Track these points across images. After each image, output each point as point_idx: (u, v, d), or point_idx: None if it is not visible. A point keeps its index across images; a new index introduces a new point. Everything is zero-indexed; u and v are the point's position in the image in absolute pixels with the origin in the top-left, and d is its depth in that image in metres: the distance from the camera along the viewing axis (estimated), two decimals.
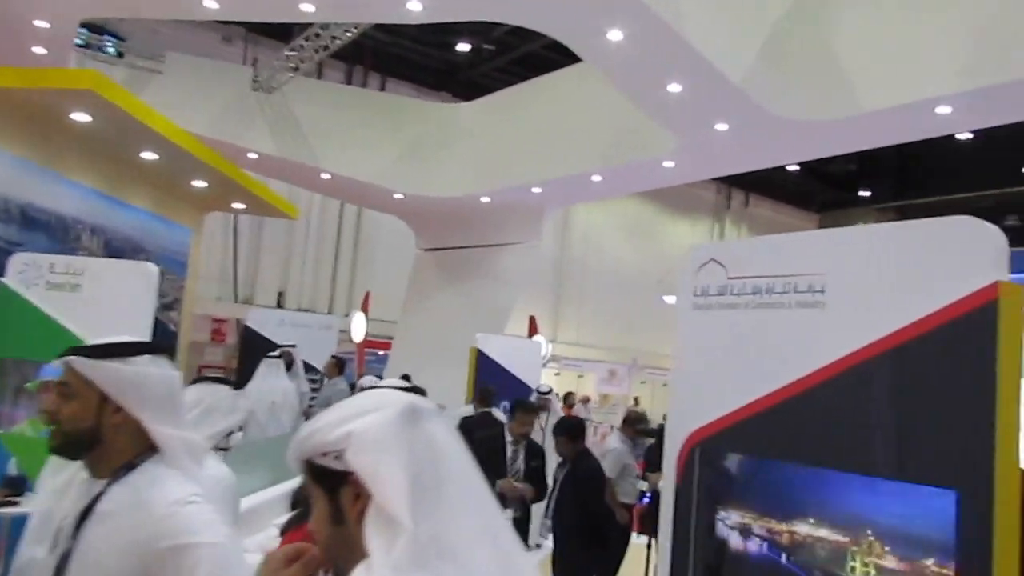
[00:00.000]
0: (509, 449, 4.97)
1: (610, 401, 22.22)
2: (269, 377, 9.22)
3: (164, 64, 12.52)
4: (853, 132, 8.56)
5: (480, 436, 5.26)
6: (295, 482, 3.55)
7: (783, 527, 2.79)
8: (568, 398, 13.24)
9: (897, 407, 2.55)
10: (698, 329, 3.25)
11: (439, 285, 14.93)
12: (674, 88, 7.69)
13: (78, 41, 13.38)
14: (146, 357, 1.80)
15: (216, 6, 7.89)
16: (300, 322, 11.68)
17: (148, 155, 8.51)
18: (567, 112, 11.46)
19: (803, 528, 2.72)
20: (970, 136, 17.50)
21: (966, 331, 2.39)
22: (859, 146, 9.44)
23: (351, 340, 17.47)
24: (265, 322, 11.31)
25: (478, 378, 11.04)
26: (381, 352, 18.25)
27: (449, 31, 18.98)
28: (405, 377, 12.87)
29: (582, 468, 4.76)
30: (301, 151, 12.72)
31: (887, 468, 2.52)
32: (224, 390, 2.92)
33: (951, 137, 17.12)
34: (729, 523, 2.97)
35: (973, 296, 2.37)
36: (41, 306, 5.59)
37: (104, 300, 5.58)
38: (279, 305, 20.22)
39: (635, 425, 6.21)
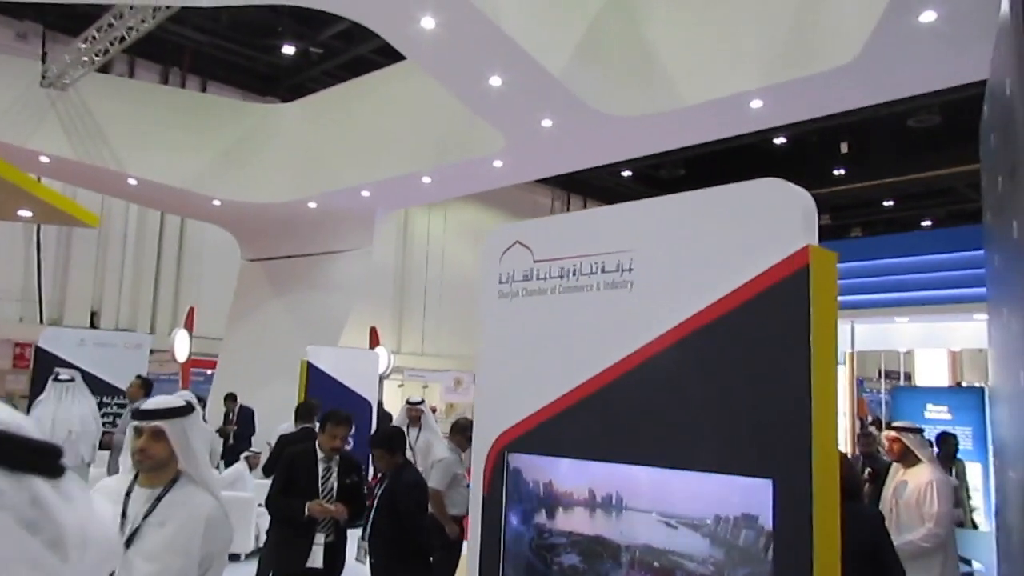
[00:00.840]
0: (320, 466, 4.49)
1: (456, 410, 21.92)
2: (63, 402, 8.27)
3: None
4: (674, 128, 8.68)
5: (290, 452, 4.75)
6: None
7: (602, 532, 2.52)
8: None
9: (706, 392, 2.33)
10: (504, 320, 2.95)
11: (267, 297, 14.05)
12: (495, 81, 7.46)
13: None
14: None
15: None
16: (105, 341, 10.54)
17: None
18: (395, 111, 11.04)
19: (627, 530, 2.46)
20: (784, 140, 18.67)
21: (776, 303, 2.20)
22: (681, 142, 9.59)
23: (175, 360, 16.22)
24: (61, 341, 10.14)
25: (308, 393, 10.42)
26: (209, 371, 17.04)
27: (274, 34, 18.09)
28: (230, 396, 12.06)
29: (401, 482, 4.36)
30: (102, 154, 11.54)
31: (704, 460, 2.30)
32: None
33: (768, 140, 18.23)
34: (542, 532, 2.67)
35: (782, 264, 2.18)
36: None
37: None
38: (92, 325, 18.48)
39: (465, 432, 5.87)
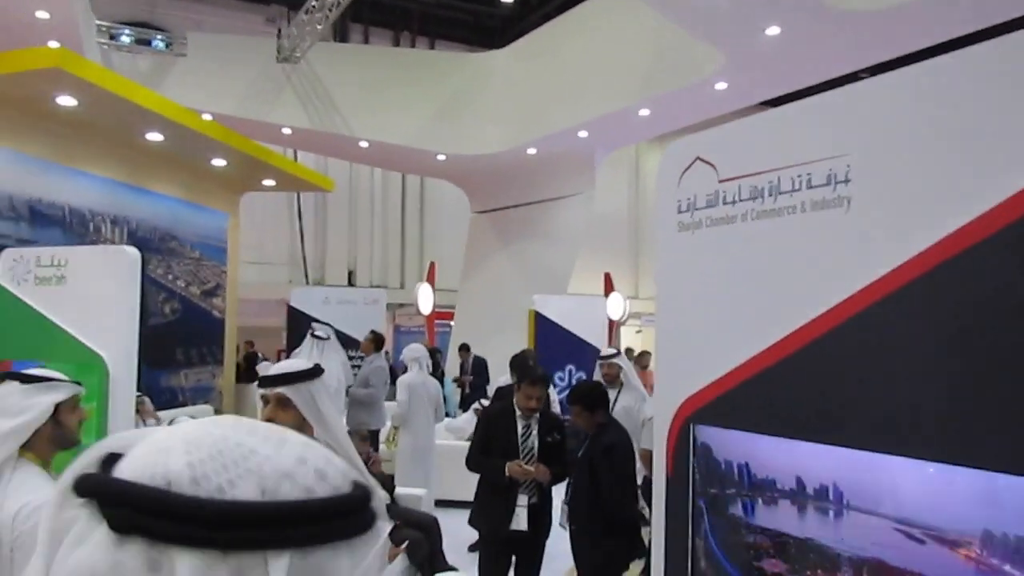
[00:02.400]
0: (520, 425, 4.18)
1: None
2: (322, 358, 8.58)
3: (187, 47, 12.09)
4: (922, 22, 7.18)
5: (487, 410, 4.50)
6: None
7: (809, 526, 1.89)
8: (643, 358, 12.24)
9: (971, 351, 1.61)
10: (685, 258, 2.35)
11: (495, 248, 14.16)
12: None
13: (126, 38, 13.22)
14: None
15: None
16: (346, 298, 11.15)
17: (154, 137, 8.05)
18: (603, 44, 10.38)
19: (850, 537, 1.82)
20: None
21: None
22: (931, 38, 7.95)
23: (419, 313, 17.04)
24: (308, 300, 10.87)
25: (538, 342, 10.31)
26: (452, 323, 17.74)
27: None
28: (464, 347, 12.33)
29: (599, 444, 3.92)
30: (334, 121, 12.11)
31: (968, 450, 1.59)
32: (11, 387, 2.34)
33: None
34: (738, 527, 2.09)
35: None
36: (30, 302, 5.28)
37: (88, 290, 5.24)
38: (350, 283, 20.00)
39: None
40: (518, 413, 4.21)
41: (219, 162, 9.19)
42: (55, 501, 0.58)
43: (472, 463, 4.31)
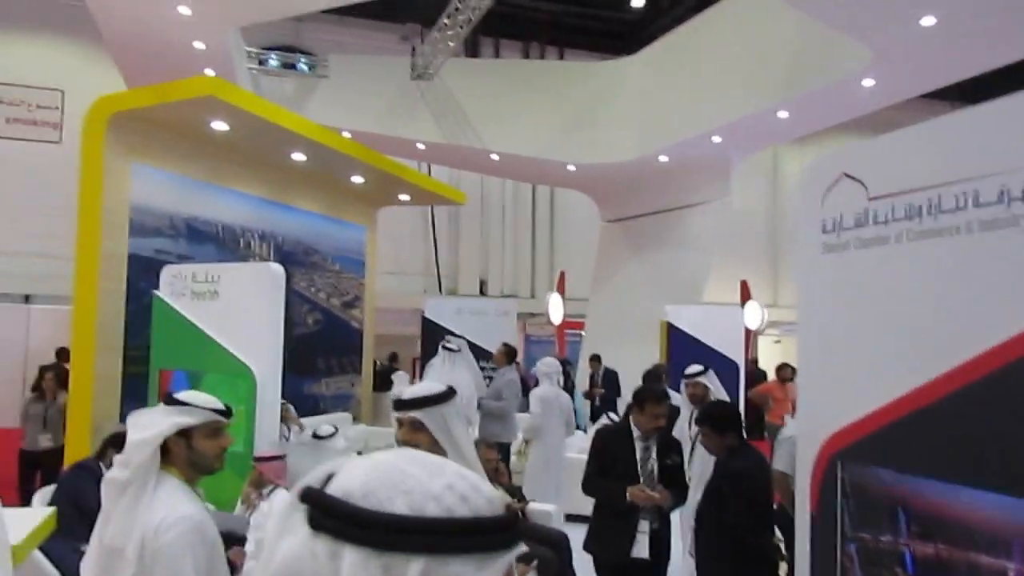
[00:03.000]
0: (638, 447, 4.02)
1: None
2: (454, 368, 8.64)
3: (328, 68, 12.67)
4: None
5: (603, 431, 4.37)
6: None
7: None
8: (783, 370, 11.70)
9: None
10: (831, 281, 2.18)
11: (626, 257, 13.96)
12: None
13: (273, 63, 14.07)
14: None
15: None
16: (477, 309, 11.29)
17: (298, 157, 8.45)
18: (738, 45, 10.01)
19: None
20: None
21: None
22: None
23: (550, 322, 17.05)
24: (441, 311, 11.09)
25: (670, 354, 10.05)
26: (583, 333, 17.67)
27: None
28: (594, 358, 12.22)
29: (729, 468, 3.70)
30: (467, 135, 12.34)
31: None
32: (159, 407, 2.47)
33: None
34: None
35: None
36: (188, 315, 5.67)
37: (238, 304, 5.58)
38: (481, 292, 20.32)
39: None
40: (636, 434, 4.05)
41: (358, 179, 9.54)
42: (289, 502, 0.78)
43: (589, 486, 4.13)
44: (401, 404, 2.47)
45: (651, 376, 6.52)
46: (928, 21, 6.92)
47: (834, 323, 2.16)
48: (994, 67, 8.31)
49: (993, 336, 1.71)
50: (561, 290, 16.84)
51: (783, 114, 9.73)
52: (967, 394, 1.77)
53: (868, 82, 8.53)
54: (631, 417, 4.10)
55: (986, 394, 1.73)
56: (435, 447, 2.41)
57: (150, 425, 2.28)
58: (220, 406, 2.40)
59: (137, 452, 2.25)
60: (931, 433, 1.85)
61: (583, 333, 16.15)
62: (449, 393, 2.47)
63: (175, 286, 5.84)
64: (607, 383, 11.45)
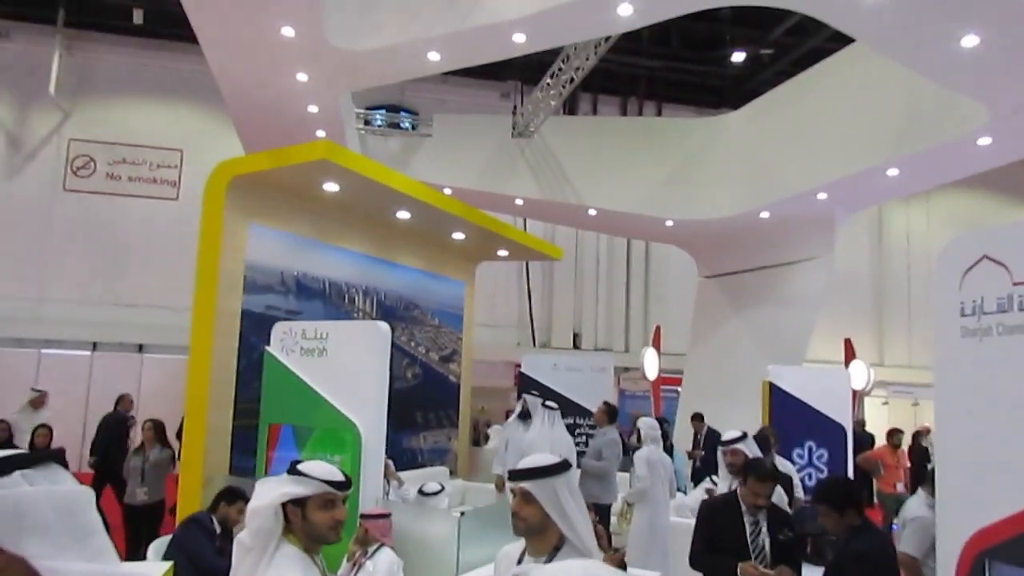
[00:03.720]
0: (747, 521, 3.88)
1: None
2: (555, 430, 8.51)
3: (432, 127, 13.10)
4: None
5: (708, 503, 4.23)
6: None
7: None
8: (893, 436, 11.13)
9: None
10: (971, 367, 2.09)
11: (726, 314, 13.68)
12: (969, 41, 5.98)
13: (379, 122, 14.70)
14: None
15: (439, 58, 7.88)
16: (574, 365, 11.25)
17: (402, 215, 8.71)
18: (846, 101, 9.81)
19: None
20: None
21: None
22: None
23: (645, 377, 16.80)
24: (539, 366, 11.09)
25: (773, 415, 9.73)
26: (680, 389, 17.33)
27: (722, 44, 17.94)
28: (697, 416, 11.91)
29: (851, 549, 3.51)
30: (564, 190, 12.48)
31: None
32: (282, 475, 2.49)
33: None
34: None
35: None
36: (297, 372, 5.85)
37: (345, 361, 5.71)
38: (575, 346, 20.26)
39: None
40: (743, 507, 3.92)
41: (458, 235, 9.75)
42: None
43: (698, 561, 3.98)
44: (514, 475, 2.45)
45: (759, 441, 6.24)
46: None
47: (977, 411, 2.06)
48: None
49: None
50: (657, 345, 16.60)
51: (893, 172, 9.45)
52: None
53: (984, 140, 8.21)
54: (739, 489, 3.97)
55: None
56: (546, 521, 2.40)
57: (265, 493, 2.34)
58: (336, 477, 2.40)
59: (254, 519, 2.32)
60: None
61: (679, 390, 15.85)
62: (564, 465, 2.45)
63: (286, 342, 6.02)
64: (709, 444, 11.15)
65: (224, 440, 6.55)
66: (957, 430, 2.14)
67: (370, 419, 5.45)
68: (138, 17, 15.43)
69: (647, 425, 7.58)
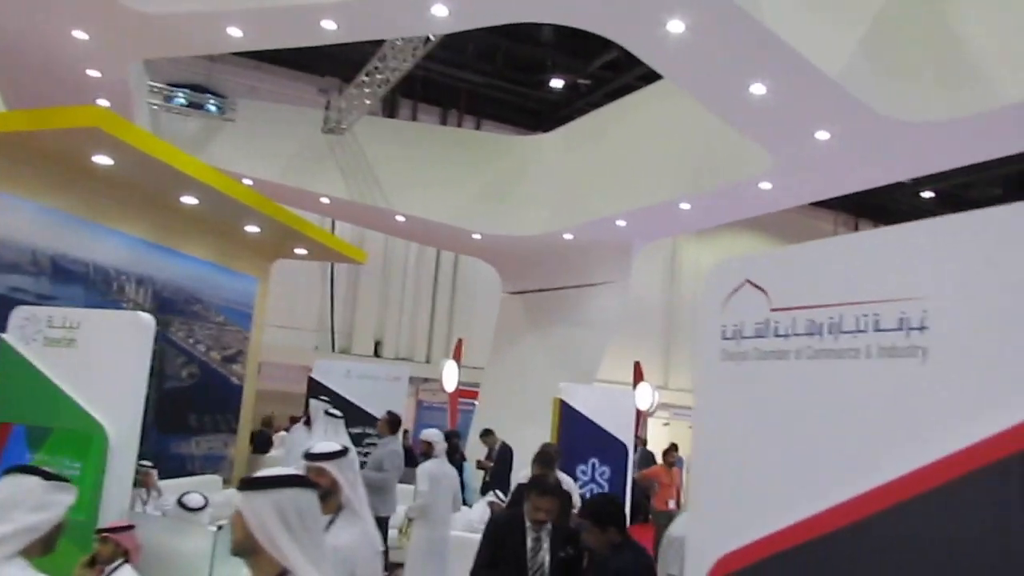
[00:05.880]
0: (529, 538, 3.81)
1: None
2: (338, 438, 8.20)
3: (236, 112, 12.30)
4: (987, 135, 6.98)
5: (494, 519, 4.13)
6: None
7: None
8: (668, 455, 11.71)
9: None
10: (728, 390, 2.07)
11: (525, 331, 13.92)
12: (757, 89, 6.44)
13: (180, 100, 13.55)
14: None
15: (240, 35, 7.36)
16: (367, 373, 10.91)
17: (188, 200, 8.02)
18: (651, 135, 10.32)
19: None
20: None
21: None
22: (995, 152, 7.73)
23: (443, 390, 16.71)
24: (331, 372, 10.64)
25: (562, 432, 9.91)
26: (476, 402, 17.40)
27: (543, 69, 18.35)
28: (486, 432, 11.94)
29: (608, 568, 3.51)
30: (373, 194, 12.15)
31: None
32: (32, 481, 2.48)
33: None
34: None
35: None
36: (37, 363, 5.09)
37: (99, 355, 5.02)
38: (376, 354, 19.82)
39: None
40: (528, 524, 3.85)
41: (252, 228, 9.15)
42: None
43: None
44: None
45: (542, 459, 6.19)
46: (823, 136, 7.28)
47: (729, 434, 2.03)
48: (880, 184, 8.82)
49: (888, 470, 1.61)
50: (457, 357, 16.57)
51: (685, 206, 10.02)
52: (856, 530, 1.66)
53: (765, 185, 8.89)
54: (524, 505, 3.89)
55: (871, 537, 1.62)
56: (255, 542, 2.10)
57: (42, 505, 2.36)
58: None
59: (29, 533, 2.31)
60: (824, 567, 1.72)
61: (476, 403, 15.92)
62: (289, 480, 2.23)
63: (26, 329, 5.24)
64: (500, 459, 11.16)
65: None
66: (711, 452, 2.11)
67: (122, 420, 4.85)
68: None
69: (432, 435, 7.42)
